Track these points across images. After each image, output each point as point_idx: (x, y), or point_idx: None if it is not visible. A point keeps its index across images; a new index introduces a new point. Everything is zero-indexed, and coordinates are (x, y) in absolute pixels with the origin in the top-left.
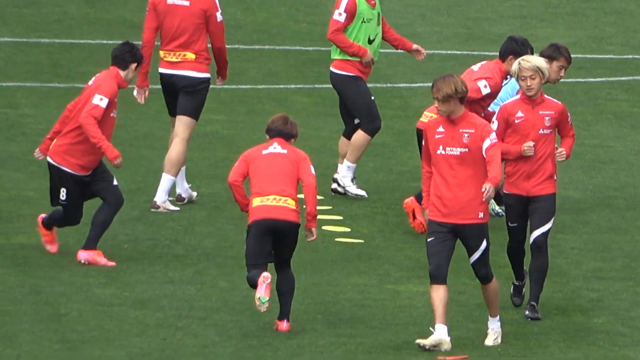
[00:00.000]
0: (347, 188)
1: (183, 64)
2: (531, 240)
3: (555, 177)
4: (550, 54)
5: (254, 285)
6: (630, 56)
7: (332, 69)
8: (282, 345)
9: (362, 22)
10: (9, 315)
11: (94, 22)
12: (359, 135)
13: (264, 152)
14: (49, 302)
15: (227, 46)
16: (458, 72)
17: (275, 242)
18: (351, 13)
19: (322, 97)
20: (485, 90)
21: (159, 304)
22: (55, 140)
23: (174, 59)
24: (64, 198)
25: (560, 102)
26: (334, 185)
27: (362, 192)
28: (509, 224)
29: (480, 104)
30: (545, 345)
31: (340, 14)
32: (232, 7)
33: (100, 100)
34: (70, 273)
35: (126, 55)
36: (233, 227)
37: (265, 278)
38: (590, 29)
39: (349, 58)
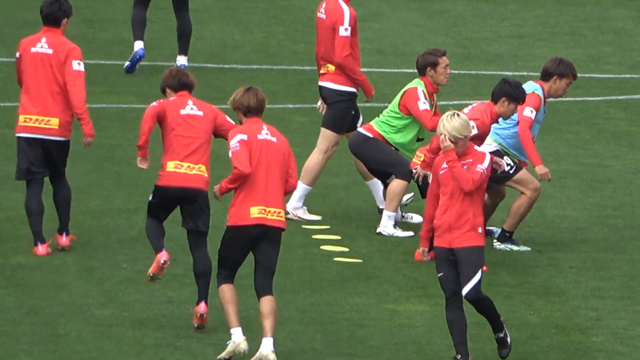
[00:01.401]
0: (394, 235)
1: (325, 75)
2: (464, 295)
3: (480, 230)
4: (562, 71)
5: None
6: (627, 75)
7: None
8: (290, 354)
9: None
10: (7, 335)
11: (92, 42)
12: (395, 184)
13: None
14: (47, 323)
15: (225, 66)
16: (456, 91)
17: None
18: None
19: (318, 115)
20: (473, 131)
21: (157, 324)
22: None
23: (321, 71)
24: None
25: (485, 152)
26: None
27: (407, 233)
28: (437, 274)
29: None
30: None
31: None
32: (230, 27)
33: (79, 66)
34: (69, 294)
35: (58, 14)
36: None
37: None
38: (587, 49)
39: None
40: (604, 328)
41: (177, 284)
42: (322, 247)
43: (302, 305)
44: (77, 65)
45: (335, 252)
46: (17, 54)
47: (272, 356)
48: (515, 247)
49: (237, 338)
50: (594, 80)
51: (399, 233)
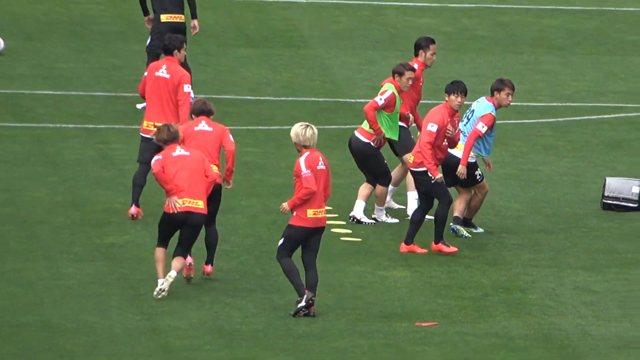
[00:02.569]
0: (385, 221)
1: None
2: None
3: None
4: (497, 86)
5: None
6: (554, 104)
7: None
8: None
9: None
10: (103, 295)
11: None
12: (380, 188)
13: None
14: (132, 286)
15: (260, 98)
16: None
17: None
18: (389, 103)
19: (330, 134)
20: (434, 128)
21: (211, 286)
22: None
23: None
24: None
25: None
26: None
27: (394, 220)
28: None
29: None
30: (494, 315)
31: (380, 99)
32: (264, 69)
33: (188, 88)
34: (147, 265)
35: (170, 47)
36: (266, 230)
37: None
38: (526, 85)
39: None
40: (537, 289)
41: (226, 257)
42: (332, 230)
43: (318, 272)
44: (187, 88)
45: (342, 234)
46: (145, 73)
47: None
48: (474, 230)
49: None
50: (530, 107)
51: (389, 220)
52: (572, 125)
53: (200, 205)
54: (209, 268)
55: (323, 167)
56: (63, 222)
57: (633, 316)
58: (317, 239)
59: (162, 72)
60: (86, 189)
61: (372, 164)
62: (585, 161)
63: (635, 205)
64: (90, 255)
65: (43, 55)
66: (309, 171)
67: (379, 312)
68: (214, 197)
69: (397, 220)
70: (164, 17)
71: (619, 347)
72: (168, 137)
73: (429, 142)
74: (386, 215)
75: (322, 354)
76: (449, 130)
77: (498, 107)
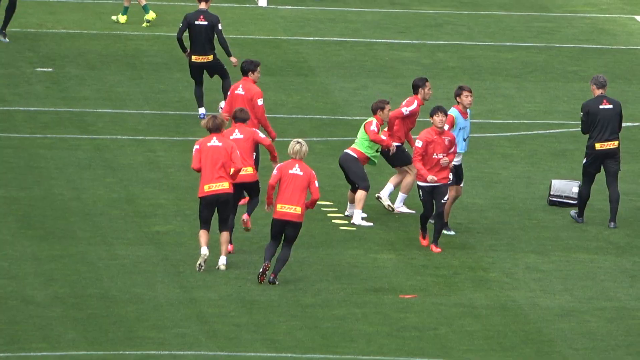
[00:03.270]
0: (361, 225)
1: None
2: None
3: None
4: (457, 92)
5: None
6: (511, 121)
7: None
8: (310, 288)
9: None
10: (149, 273)
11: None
12: (360, 192)
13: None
14: (173, 265)
15: (276, 115)
16: (418, 127)
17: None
18: (413, 114)
19: (332, 145)
20: (410, 108)
21: (236, 266)
22: None
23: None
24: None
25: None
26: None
27: (369, 224)
28: None
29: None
30: (462, 289)
31: (406, 110)
32: (279, 93)
33: (260, 102)
34: (186, 247)
35: (245, 68)
36: None
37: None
38: (487, 105)
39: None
40: (496, 268)
41: (248, 242)
42: (332, 221)
43: (320, 255)
44: (259, 102)
45: (340, 224)
46: (229, 92)
47: None
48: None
49: None
50: (491, 124)
51: (364, 223)
52: (525, 138)
53: (225, 186)
54: (245, 216)
55: (298, 172)
56: (118, 214)
57: (572, 290)
58: (288, 229)
59: (239, 90)
60: (137, 188)
61: (353, 171)
62: (535, 167)
63: (575, 202)
64: (140, 240)
65: (103, 81)
66: (276, 173)
67: (370, 286)
68: (254, 190)
69: (371, 224)
70: (193, 58)
71: (561, 315)
72: (212, 126)
73: (416, 153)
74: (362, 219)
75: (324, 319)
76: (438, 155)
77: (463, 107)
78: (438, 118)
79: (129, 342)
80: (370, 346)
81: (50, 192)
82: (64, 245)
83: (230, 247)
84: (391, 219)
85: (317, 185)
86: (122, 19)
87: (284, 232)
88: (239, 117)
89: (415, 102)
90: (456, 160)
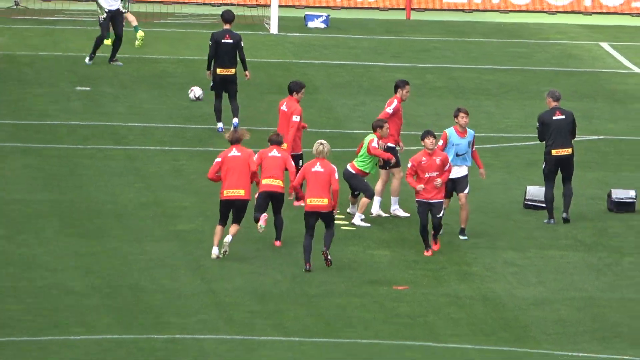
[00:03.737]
0: (360, 225)
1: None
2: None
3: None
4: (455, 113)
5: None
6: (491, 134)
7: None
8: (314, 279)
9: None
10: (173, 266)
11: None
12: (364, 199)
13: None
14: (195, 260)
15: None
16: (408, 138)
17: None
18: (397, 111)
19: (334, 155)
20: (391, 107)
21: (250, 261)
22: None
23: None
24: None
25: None
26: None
27: (366, 225)
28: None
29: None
30: (448, 281)
31: (390, 109)
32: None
33: (296, 118)
34: (207, 243)
35: (290, 89)
36: (289, 222)
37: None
38: (471, 120)
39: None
40: (478, 263)
41: (262, 240)
42: (336, 222)
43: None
44: (295, 118)
45: (342, 224)
46: (279, 106)
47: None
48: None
49: None
50: (477, 137)
51: (363, 224)
52: (503, 149)
53: (241, 193)
54: (277, 243)
55: (320, 169)
56: (147, 215)
57: (545, 282)
58: (322, 219)
59: (284, 107)
60: (163, 192)
61: (355, 185)
62: (512, 175)
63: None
64: (166, 237)
65: (134, 99)
66: (300, 174)
67: (367, 279)
68: (278, 201)
69: (369, 225)
70: (218, 71)
71: (535, 304)
72: (232, 139)
73: (407, 173)
74: (361, 220)
75: (327, 308)
76: (431, 174)
77: (461, 127)
78: (429, 141)
79: (156, 327)
80: (367, 331)
81: (88, 196)
82: (99, 242)
83: (278, 243)
84: (387, 221)
85: (336, 177)
86: (140, 34)
87: (321, 221)
88: (274, 141)
89: (395, 101)
90: (457, 172)
